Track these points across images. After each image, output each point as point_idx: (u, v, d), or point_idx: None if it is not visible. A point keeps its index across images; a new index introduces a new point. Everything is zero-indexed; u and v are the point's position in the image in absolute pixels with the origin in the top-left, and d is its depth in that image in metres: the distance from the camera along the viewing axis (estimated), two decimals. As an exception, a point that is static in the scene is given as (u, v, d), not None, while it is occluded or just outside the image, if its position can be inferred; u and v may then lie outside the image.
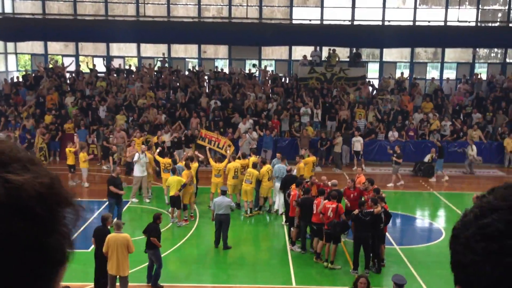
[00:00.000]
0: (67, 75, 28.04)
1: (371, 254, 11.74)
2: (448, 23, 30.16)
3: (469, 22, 30.51)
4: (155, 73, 28.39)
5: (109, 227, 10.47)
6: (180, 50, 31.65)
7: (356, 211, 11.71)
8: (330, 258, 12.06)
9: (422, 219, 16.26)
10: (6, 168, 0.97)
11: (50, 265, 1.00)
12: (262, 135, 22.03)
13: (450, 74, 31.30)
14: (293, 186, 13.56)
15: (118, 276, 10.03)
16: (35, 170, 1.00)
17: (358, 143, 21.64)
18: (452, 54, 31.65)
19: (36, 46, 30.80)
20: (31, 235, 0.95)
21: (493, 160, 23.03)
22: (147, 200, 16.87)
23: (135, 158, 16.55)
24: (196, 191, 16.36)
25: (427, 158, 21.20)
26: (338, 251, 12.32)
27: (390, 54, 31.42)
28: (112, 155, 18.55)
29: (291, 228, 13.44)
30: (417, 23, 30.17)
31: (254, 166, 15.79)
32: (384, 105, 25.18)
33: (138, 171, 16.45)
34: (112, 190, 14.27)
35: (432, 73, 31.88)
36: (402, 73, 29.71)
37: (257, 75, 28.95)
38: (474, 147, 21.49)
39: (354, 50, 29.42)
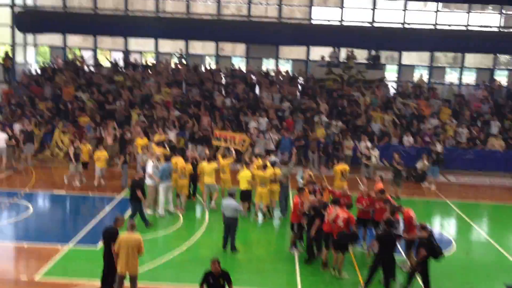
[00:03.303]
0: (85, 68, 28.22)
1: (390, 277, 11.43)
2: (470, 28, 29.67)
3: (492, 27, 30.00)
4: (172, 69, 28.42)
5: (118, 228, 10.47)
6: (198, 47, 31.64)
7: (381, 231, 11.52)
8: (338, 267, 11.96)
9: (433, 228, 15.99)
10: None
11: None
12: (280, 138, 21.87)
13: (469, 78, 30.84)
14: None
15: (128, 276, 10.08)
16: None
17: (364, 148, 21.38)
18: (472, 59, 31.13)
19: (55, 39, 31.02)
20: None
21: (510, 170, 22.64)
22: (149, 211, 15.36)
23: (149, 169, 15.45)
24: (194, 189, 16.98)
25: (419, 165, 20.98)
26: (346, 260, 12.21)
27: (409, 57, 31.02)
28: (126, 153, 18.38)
29: (291, 232, 13.43)
30: (438, 27, 29.73)
31: (273, 165, 15.97)
32: (405, 110, 24.91)
33: (149, 179, 15.39)
34: (139, 195, 14.15)
35: (451, 77, 31.44)
36: (421, 75, 29.29)
37: (273, 75, 28.78)
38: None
39: (374, 52, 29.10)
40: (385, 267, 11.16)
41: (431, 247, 11.01)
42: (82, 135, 21.34)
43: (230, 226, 13.04)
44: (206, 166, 15.87)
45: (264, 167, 15.58)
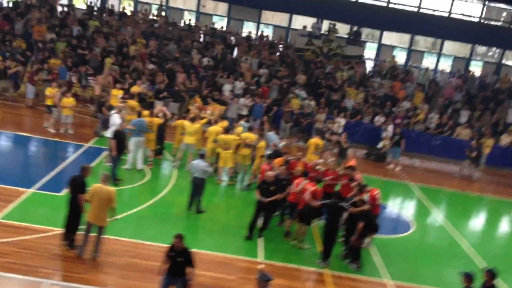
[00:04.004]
0: (59, 8, 27.13)
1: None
2: (452, 15, 29.88)
3: (473, 17, 30.29)
4: (150, 20, 27.64)
5: (85, 178, 10.29)
6: (178, 0, 30.81)
7: (331, 201, 11.68)
8: (300, 238, 12.14)
9: (394, 210, 16.42)
10: None
11: None
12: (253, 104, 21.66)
13: (445, 65, 31.24)
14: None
15: (96, 226, 10.04)
16: None
17: (338, 124, 21.43)
18: (451, 46, 31.49)
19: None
20: None
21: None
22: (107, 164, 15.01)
23: (117, 121, 14.93)
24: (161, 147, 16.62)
25: (380, 144, 21.40)
26: (308, 231, 12.39)
27: (389, 37, 31.11)
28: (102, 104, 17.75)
29: None
30: (421, 10, 29.83)
31: (249, 130, 15.95)
32: (378, 89, 25.08)
33: (110, 133, 14.76)
34: (111, 145, 13.79)
35: (428, 62, 31.77)
36: (393, 56, 29.26)
37: (254, 38, 28.42)
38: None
39: (355, 28, 29.03)
40: (331, 237, 11.45)
41: (369, 221, 11.37)
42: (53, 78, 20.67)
43: (197, 187, 12.99)
44: (189, 126, 15.62)
45: (227, 130, 15.48)
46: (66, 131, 17.60)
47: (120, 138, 13.89)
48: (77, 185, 10.13)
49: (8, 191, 12.43)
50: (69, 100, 17.40)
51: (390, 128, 21.77)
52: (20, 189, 12.61)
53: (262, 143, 15.49)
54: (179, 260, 8.55)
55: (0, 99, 20.37)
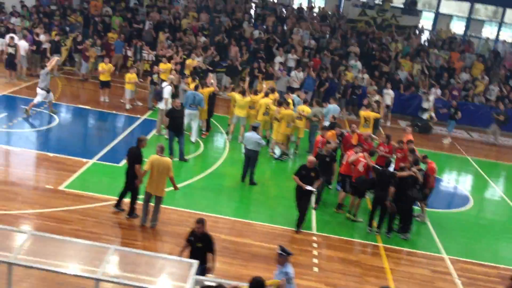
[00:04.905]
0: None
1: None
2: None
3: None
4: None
5: (142, 149, 10.60)
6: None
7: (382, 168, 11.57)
8: (353, 211, 12.10)
9: (451, 184, 16.03)
10: None
11: None
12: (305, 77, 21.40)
13: (507, 35, 29.75)
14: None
15: (154, 196, 10.36)
16: None
17: (388, 96, 20.86)
18: (513, 14, 29.96)
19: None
20: None
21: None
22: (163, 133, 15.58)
23: (166, 94, 15.25)
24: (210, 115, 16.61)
25: (425, 116, 20.72)
26: (362, 205, 12.32)
27: (447, 6, 29.84)
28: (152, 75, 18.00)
29: None
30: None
31: (305, 102, 16.07)
32: (433, 60, 24.23)
33: (162, 103, 15.33)
34: (164, 123, 14.14)
35: (488, 32, 30.33)
36: (447, 24, 27.98)
37: (305, 10, 27.99)
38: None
39: (411, -3, 28.05)
40: (382, 206, 11.38)
41: (403, 188, 11.16)
42: (108, 53, 21.19)
43: (250, 159, 13.11)
44: (240, 100, 15.71)
45: (280, 103, 15.39)
46: (128, 106, 17.90)
47: (174, 115, 13.92)
48: (134, 156, 10.47)
49: (72, 161, 12.99)
50: (132, 76, 17.67)
51: (432, 98, 21.05)
52: (83, 159, 13.16)
53: (289, 111, 15.17)
54: (198, 246, 8.01)
55: (60, 72, 21.09)
